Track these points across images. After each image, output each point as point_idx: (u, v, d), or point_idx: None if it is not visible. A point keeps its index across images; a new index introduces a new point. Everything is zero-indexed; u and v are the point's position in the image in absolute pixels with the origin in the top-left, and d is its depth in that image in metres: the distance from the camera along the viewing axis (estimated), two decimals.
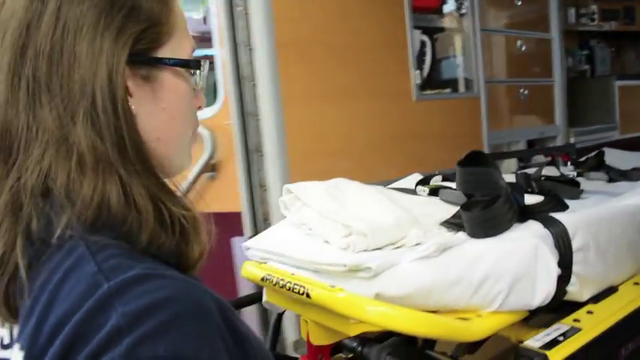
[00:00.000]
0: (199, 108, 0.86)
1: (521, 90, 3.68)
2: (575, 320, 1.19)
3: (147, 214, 0.70)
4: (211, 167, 2.19)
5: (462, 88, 3.29)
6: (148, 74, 0.75)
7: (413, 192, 1.52)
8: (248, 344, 0.73)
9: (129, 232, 0.69)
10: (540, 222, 1.17)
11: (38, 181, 0.69)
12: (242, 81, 2.18)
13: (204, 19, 2.46)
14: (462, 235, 1.16)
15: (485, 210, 1.16)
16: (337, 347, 1.30)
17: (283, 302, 1.28)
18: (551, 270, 1.12)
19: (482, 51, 3.20)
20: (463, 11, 3.25)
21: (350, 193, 1.31)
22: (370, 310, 1.05)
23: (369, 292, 1.07)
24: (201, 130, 2.18)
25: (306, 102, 2.27)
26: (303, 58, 2.30)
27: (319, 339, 1.23)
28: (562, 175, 1.73)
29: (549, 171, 1.75)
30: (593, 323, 1.19)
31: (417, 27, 2.90)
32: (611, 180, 1.71)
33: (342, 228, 1.17)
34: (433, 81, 3.18)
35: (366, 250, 1.13)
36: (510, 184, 1.28)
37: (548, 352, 1.08)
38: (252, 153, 2.18)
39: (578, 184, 1.51)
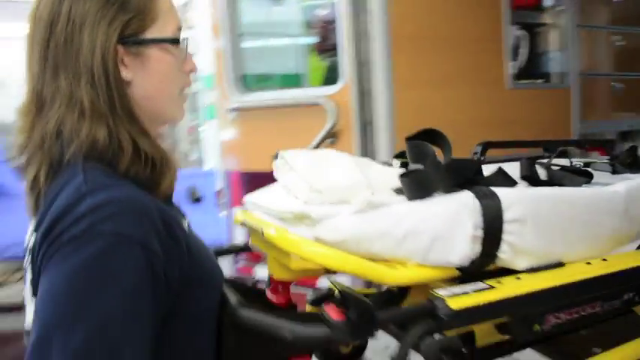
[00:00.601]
0: (191, 71, 1.10)
1: (616, 83, 3.85)
2: (498, 282, 1.23)
3: (126, 150, 0.97)
4: (333, 134, 2.64)
5: (555, 79, 3.50)
6: (137, 51, 1.00)
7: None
8: (190, 245, 0.99)
9: (111, 161, 0.96)
10: (474, 192, 1.22)
11: (55, 126, 0.97)
12: (361, 65, 2.63)
13: (331, 12, 2.94)
14: (404, 199, 1.26)
15: (411, 176, 1.25)
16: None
17: (257, 243, 1.42)
18: (468, 234, 1.17)
19: (577, 45, 3.39)
20: (560, 7, 3.48)
21: (329, 161, 1.41)
22: (307, 248, 1.21)
23: (310, 235, 1.22)
24: (326, 102, 2.67)
25: (413, 86, 2.66)
26: (413, 48, 2.68)
27: (279, 274, 1.38)
28: (572, 164, 1.74)
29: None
30: (511, 286, 1.23)
31: (515, 22, 3.21)
32: (615, 172, 1.71)
33: (306, 186, 1.29)
34: (528, 72, 3.46)
35: (322, 204, 1.25)
36: (498, 171, 1.36)
37: (448, 299, 1.13)
38: (366, 125, 2.63)
39: (590, 175, 1.55)
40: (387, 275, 1.19)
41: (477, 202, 1.19)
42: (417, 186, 1.23)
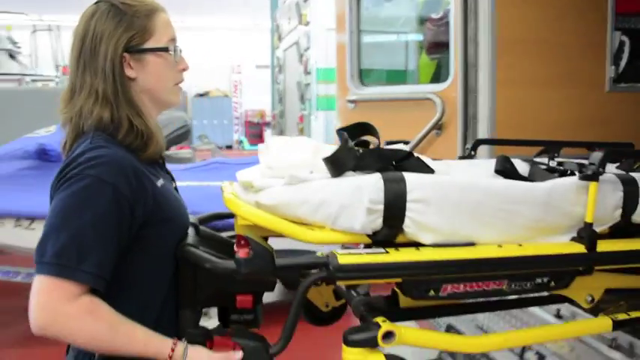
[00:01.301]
0: (183, 69, 1.54)
1: None
2: (397, 250, 1.39)
3: (123, 126, 1.42)
4: (439, 126, 2.98)
5: None
6: (139, 57, 1.46)
7: None
8: (157, 195, 1.40)
9: (112, 132, 1.41)
10: (383, 174, 1.40)
11: (79, 108, 1.43)
12: (468, 66, 2.93)
13: (443, 18, 3.25)
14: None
15: (327, 159, 1.44)
16: None
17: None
18: (364, 206, 1.35)
19: None
20: None
21: (296, 146, 1.62)
22: (243, 209, 1.50)
23: (252, 200, 1.50)
24: (435, 98, 3.00)
25: (516, 85, 2.91)
26: (517, 50, 2.92)
27: (238, 230, 1.60)
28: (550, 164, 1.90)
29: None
30: (404, 254, 1.38)
31: (618, 28, 3.37)
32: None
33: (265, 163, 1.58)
34: (629, 76, 3.60)
35: (272, 178, 1.51)
36: (419, 161, 1.52)
37: (339, 254, 1.32)
38: (469, 119, 2.94)
39: (566, 173, 1.72)
40: (303, 235, 1.40)
41: (381, 181, 1.37)
42: (332, 166, 1.44)
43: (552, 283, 1.56)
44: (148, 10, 1.47)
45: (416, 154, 1.55)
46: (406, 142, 1.94)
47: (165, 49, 1.49)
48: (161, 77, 1.50)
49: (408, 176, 1.42)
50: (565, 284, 1.58)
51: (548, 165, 1.89)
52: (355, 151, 1.47)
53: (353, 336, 1.38)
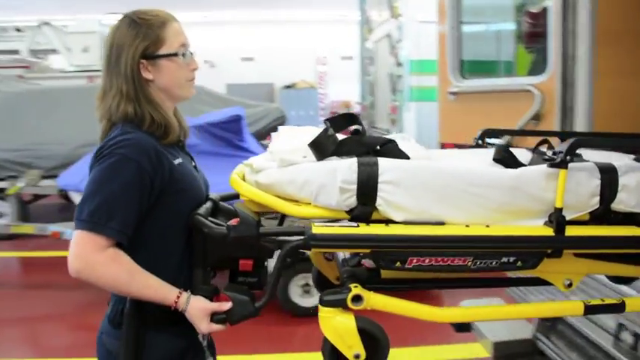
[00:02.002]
0: (194, 69, 1.80)
1: None
2: (367, 225, 1.57)
3: (146, 119, 1.71)
4: (537, 117, 3.06)
5: None
6: (154, 62, 1.73)
7: None
8: (174, 170, 1.69)
9: (138, 124, 1.70)
10: (359, 159, 1.58)
11: (109, 106, 1.73)
12: (567, 58, 2.99)
13: (540, 11, 3.32)
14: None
15: (310, 144, 1.64)
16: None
17: None
18: (337, 185, 1.56)
19: None
20: None
21: (301, 135, 1.76)
22: (241, 187, 1.72)
23: (253, 179, 1.72)
24: (533, 90, 3.10)
25: (615, 77, 2.95)
26: (616, 43, 2.94)
27: (243, 206, 1.77)
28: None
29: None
30: (373, 228, 1.56)
31: None
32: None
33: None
34: None
35: (272, 161, 1.70)
36: (396, 147, 1.67)
37: (314, 225, 1.55)
38: (567, 111, 3.00)
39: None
40: (290, 210, 1.64)
41: (355, 164, 1.56)
42: (315, 150, 1.64)
43: (519, 263, 1.65)
44: (160, 22, 1.74)
45: (404, 141, 1.73)
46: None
47: (176, 54, 1.76)
48: (174, 77, 1.77)
49: (382, 160, 1.59)
50: (532, 265, 1.67)
51: (548, 154, 1.89)
52: (335, 137, 1.65)
53: (327, 297, 1.61)
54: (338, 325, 1.59)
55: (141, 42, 1.71)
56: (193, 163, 1.88)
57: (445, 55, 3.75)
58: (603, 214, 1.70)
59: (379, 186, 1.57)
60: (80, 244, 1.58)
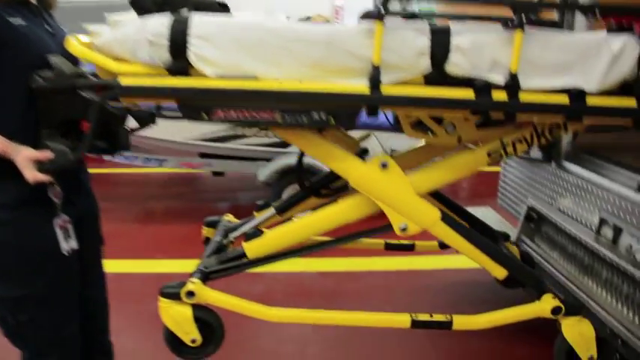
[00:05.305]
0: None
1: None
2: (177, 78, 1.63)
3: None
4: None
5: None
6: None
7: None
8: (8, 25, 1.57)
9: None
10: (174, 16, 1.60)
11: None
12: None
13: None
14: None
15: (130, 2, 1.66)
16: None
17: None
18: (146, 39, 1.59)
19: None
20: None
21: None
22: (74, 47, 1.64)
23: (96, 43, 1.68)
24: None
25: None
26: None
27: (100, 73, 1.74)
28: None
29: None
30: (181, 81, 1.62)
31: None
32: None
33: None
34: None
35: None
36: (220, 5, 1.74)
37: (122, 78, 1.60)
38: None
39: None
40: (111, 66, 1.62)
41: (167, 19, 1.59)
42: (134, 8, 1.67)
43: (332, 120, 1.66)
44: None
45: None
46: None
47: None
48: None
49: (197, 16, 1.60)
50: (346, 123, 1.76)
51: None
52: None
53: (165, 289, 1.81)
54: (175, 314, 1.79)
55: None
56: (50, 30, 1.75)
57: None
58: (438, 77, 1.63)
59: (190, 39, 1.58)
60: None
